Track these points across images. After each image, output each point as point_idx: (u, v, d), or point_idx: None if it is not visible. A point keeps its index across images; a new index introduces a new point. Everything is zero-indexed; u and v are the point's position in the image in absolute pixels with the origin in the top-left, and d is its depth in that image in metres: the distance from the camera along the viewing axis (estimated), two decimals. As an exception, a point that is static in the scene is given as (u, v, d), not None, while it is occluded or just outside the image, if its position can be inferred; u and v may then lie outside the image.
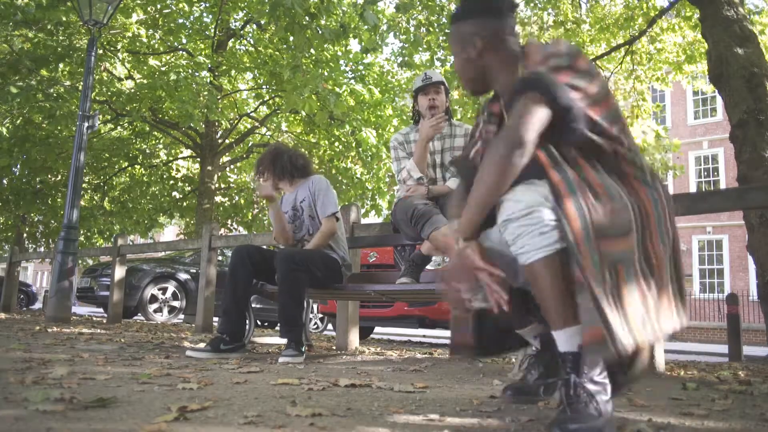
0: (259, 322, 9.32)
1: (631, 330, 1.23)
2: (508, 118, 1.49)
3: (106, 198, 13.79)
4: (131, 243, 7.33)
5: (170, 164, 13.85)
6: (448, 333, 10.75)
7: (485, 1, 1.56)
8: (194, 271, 8.40)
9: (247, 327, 3.22)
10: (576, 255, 1.25)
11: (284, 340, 2.96)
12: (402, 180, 3.20)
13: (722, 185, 19.76)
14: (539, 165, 1.34)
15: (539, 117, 1.33)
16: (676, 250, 1.40)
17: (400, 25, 8.07)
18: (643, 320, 1.26)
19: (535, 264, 1.28)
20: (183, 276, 8.44)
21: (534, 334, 1.62)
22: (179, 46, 11.16)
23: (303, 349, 2.91)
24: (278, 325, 10.26)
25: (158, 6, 10.51)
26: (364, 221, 6.24)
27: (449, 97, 3.37)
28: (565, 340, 1.30)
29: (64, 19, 8.72)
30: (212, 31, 10.86)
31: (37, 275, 40.17)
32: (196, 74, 10.00)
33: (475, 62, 1.57)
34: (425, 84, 3.20)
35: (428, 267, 3.43)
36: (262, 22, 10.13)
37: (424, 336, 11.02)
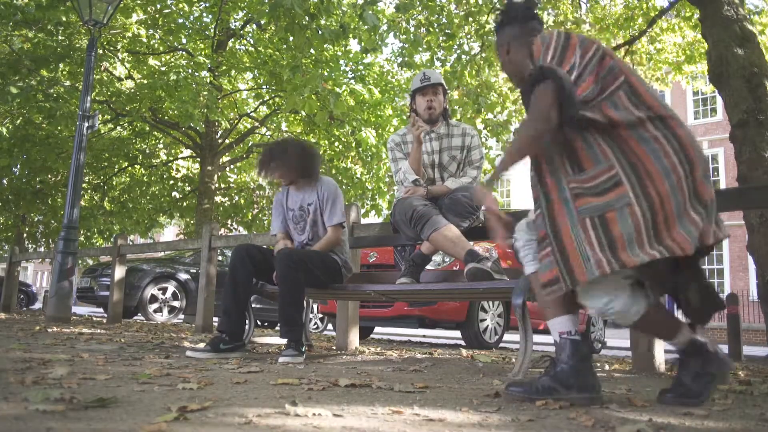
0: (259, 322, 9.32)
1: (619, 257, 1.61)
2: (525, 105, 1.85)
3: (106, 198, 13.79)
4: (131, 243, 7.33)
5: (170, 164, 13.85)
6: (448, 333, 10.72)
7: (506, 14, 1.99)
8: (194, 271, 8.40)
9: (247, 327, 3.22)
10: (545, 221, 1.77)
11: (284, 340, 2.96)
12: (399, 181, 3.21)
13: (722, 185, 19.76)
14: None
15: (548, 101, 1.71)
16: (695, 178, 1.68)
17: (400, 25, 8.07)
18: (639, 243, 1.61)
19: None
20: (183, 276, 8.44)
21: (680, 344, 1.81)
22: (179, 46, 11.16)
23: (303, 349, 2.90)
24: (278, 325, 10.25)
25: (158, 6, 10.51)
26: (364, 221, 6.24)
27: (447, 98, 3.36)
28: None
29: (64, 19, 8.72)
30: (212, 31, 10.85)
31: (37, 275, 40.16)
32: (196, 74, 10.00)
33: (508, 61, 2.00)
34: (424, 85, 3.19)
35: (428, 267, 3.43)
36: (262, 22, 10.12)
37: (424, 336, 11.01)
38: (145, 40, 10.70)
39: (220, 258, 8.45)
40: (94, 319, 7.84)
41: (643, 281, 1.77)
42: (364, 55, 9.37)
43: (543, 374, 1.79)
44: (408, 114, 3.49)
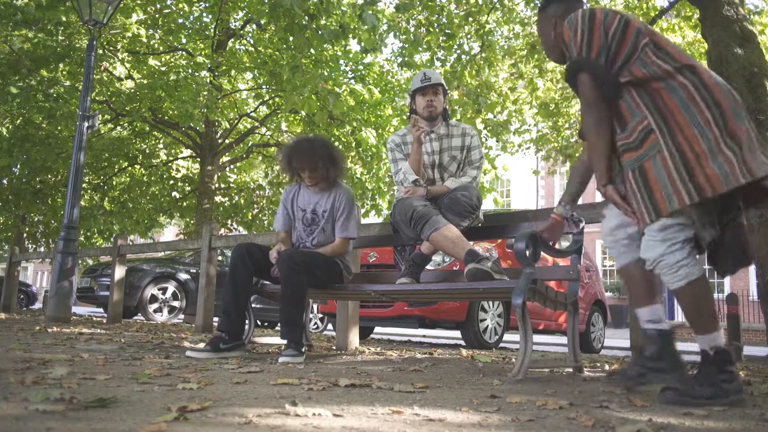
0: (259, 322, 9.32)
1: (657, 201, 1.77)
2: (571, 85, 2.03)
3: (106, 198, 13.79)
4: (131, 243, 7.33)
5: (170, 164, 13.84)
6: (448, 333, 10.73)
7: None
8: (194, 271, 8.40)
9: (247, 327, 3.22)
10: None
11: (284, 341, 2.96)
12: (399, 182, 3.21)
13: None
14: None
15: (592, 89, 1.91)
16: (726, 117, 1.76)
17: (400, 25, 8.07)
18: (674, 189, 1.75)
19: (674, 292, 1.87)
20: (183, 276, 8.44)
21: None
22: (179, 46, 11.16)
23: (303, 350, 2.90)
24: (278, 325, 10.25)
25: (158, 6, 10.51)
26: (364, 221, 6.24)
27: (447, 98, 3.37)
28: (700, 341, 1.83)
29: (64, 19, 8.71)
30: (212, 31, 10.85)
31: (37, 275, 40.16)
32: (196, 74, 10.00)
33: (555, 38, 2.13)
34: (424, 85, 3.20)
35: (428, 267, 3.43)
36: (262, 22, 10.12)
37: (424, 336, 11.01)
38: (145, 40, 10.69)
39: (220, 258, 8.45)
40: (94, 319, 7.84)
41: (701, 243, 1.86)
42: (364, 55, 9.37)
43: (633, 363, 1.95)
44: (408, 114, 3.50)
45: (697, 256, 1.89)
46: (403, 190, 3.12)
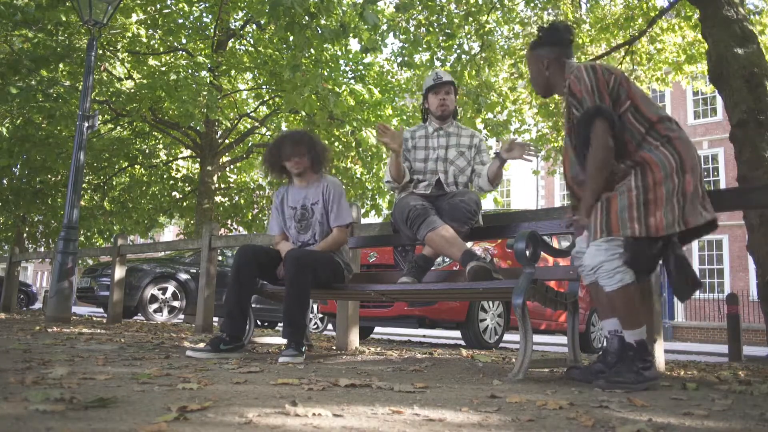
0: (259, 322, 9.32)
1: (612, 224, 2.13)
2: (566, 111, 2.35)
3: (106, 198, 13.78)
4: (131, 243, 7.33)
5: (170, 164, 13.84)
6: (448, 333, 10.73)
7: (551, 36, 2.43)
8: (194, 271, 8.40)
9: (247, 327, 3.22)
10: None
11: (284, 340, 2.96)
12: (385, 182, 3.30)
13: (722, 185, 19.76)
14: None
15: (605, 133, 2.18)
16: (685, 168, 2.14)
17: (400, 24, 8.06)
18: (630, 221, 2.10)
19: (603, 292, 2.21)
20: (183, 276, 8.44)
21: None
22: (179, 46, 11.15)
23: (303, 349, 2.90)
24: (278, 324, 10.23)
25: (158, 6, 10.50)
26: (364, 221, 6.24)
27: (457, 98, 3.43)
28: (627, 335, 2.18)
29: (64, 19, 8.71)
30: (212, 31, 10.85)
31: (37, 275, 40.16)
32: (196, 74, 9.99)
33: (543, 74, 2.44)
34: (437, 83, 3.25)
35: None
36: (262, 21, 10.13)
37: (424, 336, 11.01)
38: (145, 40, 10.69)
39: (220, 258, 8.45)
40: (94, 319, 7.84)
41: (634, 264, 2.18)
42: (364, 54, 9.36)
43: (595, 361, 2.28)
44: (408, 113, 3.53)
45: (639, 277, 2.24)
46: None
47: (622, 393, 1.97)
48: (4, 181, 12.90)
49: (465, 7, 8.26)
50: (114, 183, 13.92)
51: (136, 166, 13.58)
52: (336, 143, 11.15)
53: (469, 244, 3.04)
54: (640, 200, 2.11)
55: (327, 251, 3.17)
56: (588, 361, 3.48)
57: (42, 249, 15.18)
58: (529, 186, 23.06)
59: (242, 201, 14.00)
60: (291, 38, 6.28)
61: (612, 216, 2.13)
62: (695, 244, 20.07)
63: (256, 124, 12.52)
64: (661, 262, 2.29)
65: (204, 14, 11.25)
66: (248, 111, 12.76)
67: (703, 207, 2.16)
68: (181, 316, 8.39)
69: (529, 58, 2.52)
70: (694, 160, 2.16)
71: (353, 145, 10.60)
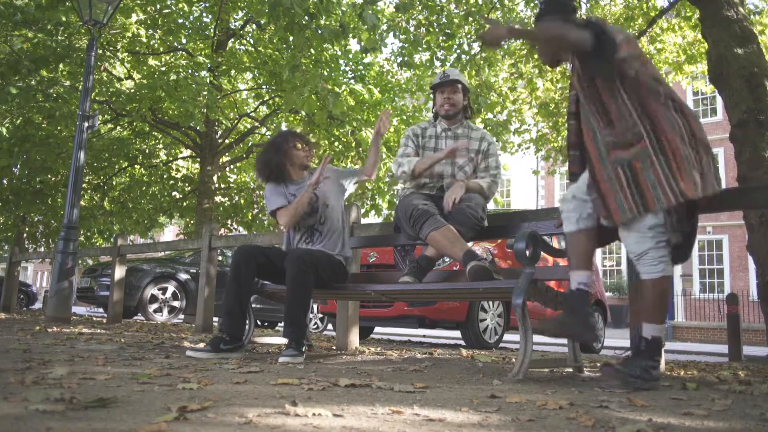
0: (259, 322, 9.32)
1: (647, 198, 2.05)
2: (575, 76, 2.30)
3: (106, 198, 13.78)
4: (131, 243, 7.33)
5: (170, 164, 13.83)
6: (448, 333, 10.72)
7: (554, 5, 2.39)
8: (194, 271, 8.40)
9: (247, 327, 3.22)
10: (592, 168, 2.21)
11: (284, 340, 2.96)
12: (396, 174, 3.20)
13: (722, 185, 19.72)
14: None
15: (585, 35, 2.14)
16: (698, 138, 2.13)
17: (400, 24, 8.06)
18: (663, 191, 2.03)
19: (644, 282, 2.16)
20: (183, 276, 8.44)
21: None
22: (179, 46, 11.15)
23: (303, 349, 2.90)
24: (278, 324, 10.21)
25: (158, 6, 10.50)
26: (364, 221, 6.24)
27: (468, 97, 3.32)
28: (647, 329, 2.14)
29: (64, 19, 8.70)
30: (212, 31, 10.84)
31: (37, 275, 40.15)
32: (196, 74, 9.99)
33: (548, 43, 2.35)
34: (442, 81, 3.18)
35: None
36: (262, 22, 10.12)
37: (424, 336, 11.01)
38: (144, 40, 10.68)
39: (220, 258, 8.44)
40: (94, 319, 7.84)
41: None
42: (364, 54, 9.36)
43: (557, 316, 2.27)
44: (408, 113, 3.53)
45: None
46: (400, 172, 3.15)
47: (622, 393, 1.96)
48: (4, 181, 12.89)
49: (465, 7, 8.25)
50: (114, 183, 13.92)
51: (136, 166, 13.57)
52: (336, 143, 11.14)
53: (469, 244, 3.03)
54: (663, 167, 2.06)
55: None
56: (587, 361, 3.47)
57: (42, 249, 15.17)
58: (529, 186, 23.06)
59: (242, 201, 14.00)
60: (291, 38, 6.27)
61: (645, 190, 2.06)
62: (695, 244, 20.06)
63: (256, 124, 12.51)
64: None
65: (204, 14, 11.25)
66: (248, 111, 12.75)
67: (716, 179, 2.15)
68: (181, 316, 8.39)
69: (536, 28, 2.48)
70: (706, 139, 2.16)
71: (353, 145, 10.59)
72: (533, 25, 2.51)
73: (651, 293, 2.12)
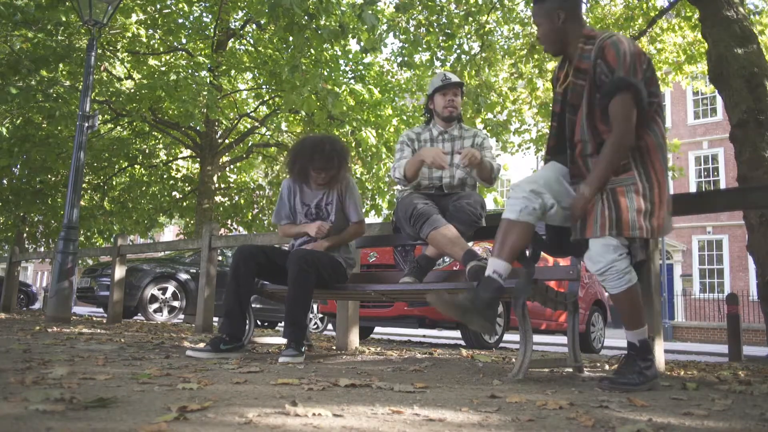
0: (259, 322, 9.32)
1: (623, 223, 2.05)
2: (571, 75, 2.22)
3: (106, 198, 13.78)
4: (131, 243, 7.33)
5: (170, 164, 13.84)
6: (448, 333, 10.73)
7: None
8: (194, 271, 8.40)
9: (247, 327, 3.22)
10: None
11: (284, 340, 2.96)
12: (393, 176, 3.22)
13: (722, 185, 19.75)
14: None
15: (632, 112, 2.09)
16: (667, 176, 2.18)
17: (400, 24, 8.06)
18: (639, 223, 2.05)
19: (614, 295, 2.15)
20: (183, 276, 8.44)
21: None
22: (179, 46, 11.15)
23: (303, 349, 2.90)
24: (278, 324, 10.20)
25: (158, 6, 10.50)
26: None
27: (462, 102, 3.37)
28: (631, 335, 2.17)
29: (64, 19, 8.71)
30: (212, 31, 10.85)
31: (37, 275, 40.17)
32: (196, 74, 9.99)
33: (557, 30, 2.23)
34: (445, 84, 3.19)
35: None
36: (262, 22, 10.12)
37: (424, 336, 11.02)
38: (144, 40, 10.69)
39: (220, 258, 8.44)
40: (94, 319, 7.84)
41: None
42: (364, 55, 9.36)
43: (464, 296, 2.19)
44: (408, 113, 3.52)
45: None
46: (398, 171, 3.12)
47: (623, 393, 1.97)
48: (4, 181, 12.90)
49: (465, 7, 8.26)
50: (114, 183, 13.92)
51: (136, 166, 13.58)
52: (336, 143, 11.13)
53: (469, 244, 3.03)
54: (647, 200, 2.07)
55: (343, 243, 3.23)
56: (587, 361, 3.47)
57: (42, 249, 15.18)
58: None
59: (242, 201, 14.00)
60: (291, 38, 6.27)
61: (623, 215, 2.05)
62: (695, 244, 20.08)
63: (256, 124, 12.52)
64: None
65: (204, 14, 11.26)
66: (248, 111, 12.76)
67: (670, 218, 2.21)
68: (181, 316, 8.39)
69: (537, 13, 2.29)
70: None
71: (353, 145, 10.59)
72: (533, 9, 2.34)
73: (624, 304, 2.14)
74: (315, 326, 9.03)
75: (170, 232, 30.40)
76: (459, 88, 3.23)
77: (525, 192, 2.21)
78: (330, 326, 9.19)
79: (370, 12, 5.34)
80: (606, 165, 2.10)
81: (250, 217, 13.76)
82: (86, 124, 6.07)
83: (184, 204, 13.88)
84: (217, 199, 13.29)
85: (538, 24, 2.30)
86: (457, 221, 2.90)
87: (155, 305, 8.18)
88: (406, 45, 7.85)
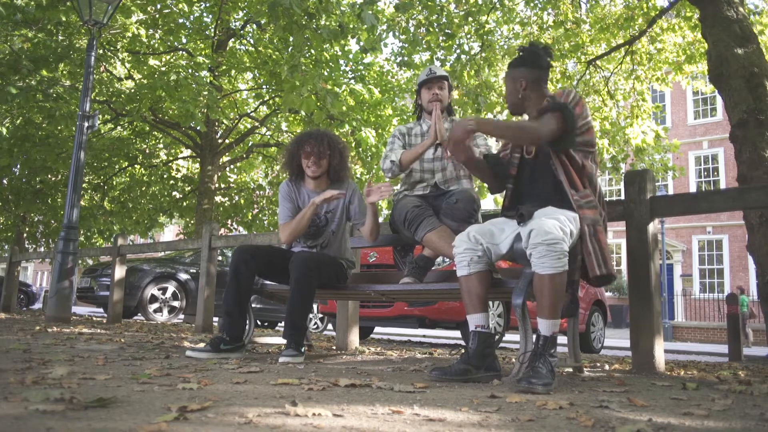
0: (259, 322, 9.32)
1: (608, 260, 2.33)
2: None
3: (106, 198, 13.78)
4: (131, 243, 7.33)
5: (170, 164, 13.84)
6: (448, 333, 10.77)
7: (532, 59, 2.50)
8: (194, 271, 8.40)
9: (247, 327, 3.22)
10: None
11: (284, 340, 2.96)
12: (384, 167, 3.18)
13: (722, 185, 19.76)
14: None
15: (555, 126, 2.33)
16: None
17: (400, 24, 8.06)
18: (607, 258, 2.32)
19: (546, 276, 2.14)
20: (183, 276, 8.44)
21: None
22: (179, 46, 11.15)
23: (303, 350, 2.90)
24: (278, 324, 10.20)
25: (158, 6, 10.50)
26: (364, 221, 6.24)
27: (452, 94, 3.37)
28: (547, 326, 2.17)
29: (64, 19, 8.71)
30: (212, 31, 10.85)
31: (37, 275, 40.17)
32: (196, 74, 9.99)
33: (518, 94, 2.51)
34: (429, 78, 3.19)
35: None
36: (262, 22, 10.12)
37: (424, 336, 11.02)
38: (145, 40, 10.68)
39: (220, 258, 8.44)
40: (94, 319, 7.84)
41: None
42: (364, 55, 9.36)
43: (458, 361, 2.24)
44: (409, 113, 3.53)
45: None
46: (387, 166, 3.11)
47: (622, 393, 1.96)
48: (4, 181, 12.90)
49: (465, 7, 8.25)
50: (114, 183, 13.92)
51: (136, 165, 13.57)
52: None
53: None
54: (604, 240, 2.34)
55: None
56: (587, 361, 3.48)
57: (42, 249, 15.17)
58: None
59: (242, 201, 14.00)
60: (290, 38, 6.28)
61: (606, 252, 2.32)
62: (695, 244, 20.09)
63: (256, 124, 12.52)
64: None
65: (204, 14, 11.25)
66: (248, 111, 12.76)
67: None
68: (181, 316, 8.39)
69: (507, 75, 2.57)
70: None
71: (353, 145, 10.59)
72: (507, 69, 2.59)
73: (550, 288, 2.12)
74: (315, 326, 9.03)
75: (170, 232, 30.40)
76: (444, 81, 3.21)
77: (463, 246, 2.34)
78: (330, 326, 9.19)
79: (369, 12, 5.34)
80: (503, 126, 2.40)
81: (250, 217, 13.76)
82: (86, 124, 6.07)
83: (184, 204, 13.88)
84: (217, 199, 13.28)
85: (505, 84, 2.59)
86: (450, 219, 2.91)
87: (155, 305, 8.18)
88: (406, 45, 7.85)
